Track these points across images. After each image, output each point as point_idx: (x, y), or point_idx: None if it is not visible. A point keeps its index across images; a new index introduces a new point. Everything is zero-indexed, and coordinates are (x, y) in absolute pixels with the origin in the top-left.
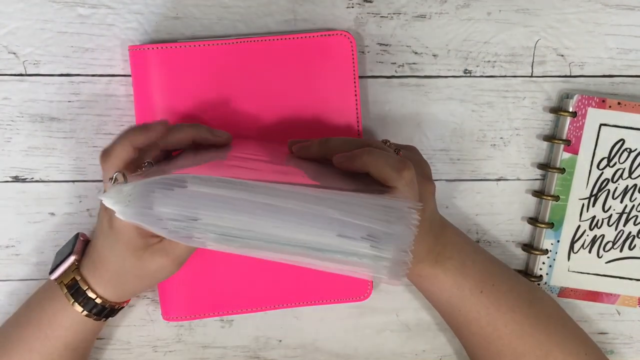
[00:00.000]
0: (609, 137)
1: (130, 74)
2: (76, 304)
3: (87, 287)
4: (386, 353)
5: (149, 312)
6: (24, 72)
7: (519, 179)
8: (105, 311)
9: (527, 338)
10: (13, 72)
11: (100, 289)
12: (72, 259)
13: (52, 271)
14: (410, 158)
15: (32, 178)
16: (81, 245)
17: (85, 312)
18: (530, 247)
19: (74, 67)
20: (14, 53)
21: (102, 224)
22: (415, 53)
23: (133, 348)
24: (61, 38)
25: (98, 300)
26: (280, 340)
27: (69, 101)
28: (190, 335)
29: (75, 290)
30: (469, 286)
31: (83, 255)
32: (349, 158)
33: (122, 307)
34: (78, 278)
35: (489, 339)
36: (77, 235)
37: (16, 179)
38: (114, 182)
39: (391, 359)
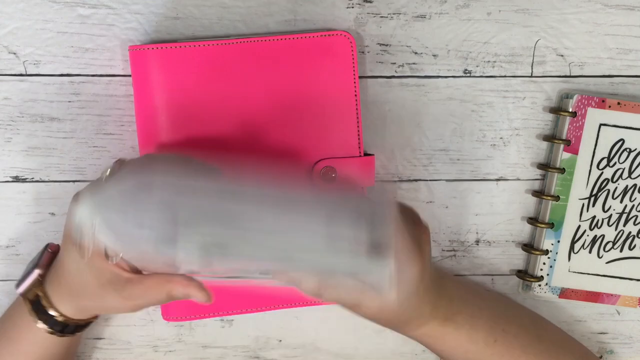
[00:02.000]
0: (609, 137)
1: (130, 74)
2: (40, 321)
3: (48, 303)
4: (386, 353)
5: (149, 312)
6: (24, 72)
7: (518, 179)
8: (68, 328)
9: None
10: (13, 72)
11: (62, 306)
12: (35, 273)
13: (18, 284)
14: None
15: (32, 178)
16: (48, 258)
17: (48, 330)
18: (530, 248)
19: (74, 67)
20: (14, 53)
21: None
22: (415, 53)
23: (133, 348)
24: (61, 38)
25: (60, 319)
26: (280, 340)
27: (69, 101)
28: (191, 335)
29: (38, 306)
30: (482, 338)
31: (49, 268)
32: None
33: (90, 323)
34: (40, 294)
35: None
36: (46, 246)
37: (16, 179)
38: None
39: (391, 359)
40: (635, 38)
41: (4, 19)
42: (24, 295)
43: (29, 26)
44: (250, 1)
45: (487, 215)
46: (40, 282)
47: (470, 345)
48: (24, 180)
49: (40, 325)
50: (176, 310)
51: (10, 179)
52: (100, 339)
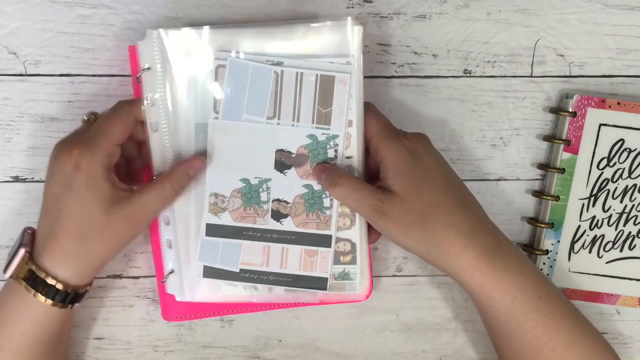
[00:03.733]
0: (609, 137)
1: (130, 74)
2: (38, 294)
3: (44, 274)
4: (386, 353)
5: (149, 312)
6: (24, 72)
7: (518, 179)
8: (68, 297)
9: (577, 348)
10: (13, 72)
11: (60, 270)
12: (22, 252)
13: (5, 269)
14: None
15: (32, 178)
16: (29, 237)
17: (49, 302)
18: (530, 248)
19: (74, 67)
20: (14, 53)
21: (64, 177)
22: (415, 53)
23: (133, 348)
24: (61, 38)
25: (59, 286)
26: (280, 340)
27: (69, 101)
28: (190, 335)
29: (34, 280)
30: (530, 290)
31: (34, 245)
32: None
33: (86, 291)
34: (33, 267)
35: (541, 350)
36: (24, 230)
37: (16, 179)
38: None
39: (391, 359)
40: (635, 38)
41: (4, 19)
42: (14, 276)
43: (29, 26)
44: (251, 1)
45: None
46: (29, 257)
47: (518, 293)
48: (24, 180)
49: (40, 297)
50: (176, 310)
51: (10, 179)
52: (100, 339)
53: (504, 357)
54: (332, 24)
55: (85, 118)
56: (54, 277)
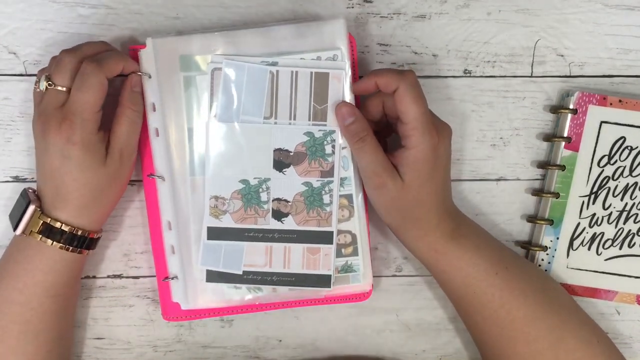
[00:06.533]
0: (610, 134)
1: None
2: (55, 242)
3: (60, 223)
4: (386, 353)
5: (149, 312)
6: (24, 72)
7: (518, 179)
8: (85, 241)
9: (539, 323)
10: (13, 72)
11: (75, 221)
12: (32, 208)
13: (15, 227)
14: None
15: (33, 178)
16: (34, 195)
17: (66, 247)
18: (529, 245)
19: None
20: (14, 53)
21: (59, 151)
22: (415, 53)
23: (133, 348)
24: (61, 38)
25: (78, 232)
26: (280, 340)
27: None
28: (190, 335)
29: (50, 231)
30: (484, 266)
31: (40, 203)
32: (362, 82)
33: (99, 237)
34: (48, 220)
35: (502, 323)
36: (24, 191)
37: (16, 179)
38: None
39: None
40: (635, 38)
41: (4, 19)
42: (27, 231)
43: (29, 26)
44: (251, 1)
45: (487, 215)
46: (40, 212)
47: (471, 268)
48: (24, 180)
49: (57, 245)
50: (176, 310)
51: (10, 179)
52: (100, 339)
53: (473, 333)
54: (318, 21)
55: (44, 88)
56: (69, 225)
